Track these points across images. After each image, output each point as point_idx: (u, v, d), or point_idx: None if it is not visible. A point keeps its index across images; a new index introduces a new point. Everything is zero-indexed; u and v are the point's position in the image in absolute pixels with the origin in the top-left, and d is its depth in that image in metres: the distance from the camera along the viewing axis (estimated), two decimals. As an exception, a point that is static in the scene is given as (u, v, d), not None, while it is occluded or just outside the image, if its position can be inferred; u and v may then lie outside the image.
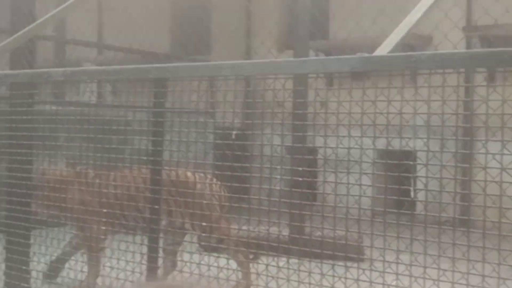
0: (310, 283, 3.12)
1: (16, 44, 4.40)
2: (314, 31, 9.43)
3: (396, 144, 3.20)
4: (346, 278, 3.00)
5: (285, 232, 4.00)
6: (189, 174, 4.64)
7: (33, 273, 4.55)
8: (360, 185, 2.90)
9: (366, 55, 2.49)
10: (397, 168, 2.97)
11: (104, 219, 4.15)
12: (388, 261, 2.93)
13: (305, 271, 3.16)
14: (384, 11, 5.49)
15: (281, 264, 3.32)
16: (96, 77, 3.48)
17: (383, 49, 2.48)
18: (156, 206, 3.56)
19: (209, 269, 3.39)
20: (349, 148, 2.91)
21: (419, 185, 2.96)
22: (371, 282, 2.92)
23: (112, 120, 4.09)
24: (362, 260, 3.34)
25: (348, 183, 2.94)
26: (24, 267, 4.53)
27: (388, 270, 2.91)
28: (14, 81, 3.98)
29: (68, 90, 10.58)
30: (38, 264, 4.59)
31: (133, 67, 3.20)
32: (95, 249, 4.68)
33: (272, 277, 3.25)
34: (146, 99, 3.66)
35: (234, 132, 3.43)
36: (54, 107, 5.43)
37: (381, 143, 3.17)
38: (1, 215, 4.80)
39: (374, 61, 2.52)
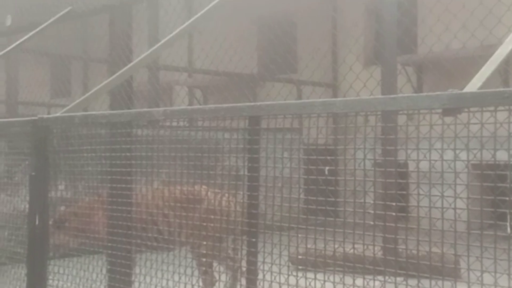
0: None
1: (115, 83, 4.68)
2: (401, 46, 9.39)
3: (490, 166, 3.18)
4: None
5: (379, 252, 4.00)
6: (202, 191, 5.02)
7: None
8: (455, 208, 2.90)
9: (457, 91, 2.51)
10: (492, 191, 2.95)
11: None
12: (487, 284, 2.91)
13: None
14: (472, 22, 5.42)
15: (377, 283, 3.36)
16: (193, 115, 3.66)
17: (474, 84, 2.49)
18: (253, 230, 3.67)
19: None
20: (442, 172, 2.92)
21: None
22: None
23: (203, 142, 4.24)
24: (457, 281, 3.32)
25: (442, 207, 2.94)
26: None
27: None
28: (118, 121, 4.24)
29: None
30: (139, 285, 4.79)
31: (228, 106, 3.37)
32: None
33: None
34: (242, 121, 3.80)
35: (327, 168, 3.50)
36: (149, 131, 5.69)
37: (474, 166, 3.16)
38: (103, 238, 5.08)
39: (465, 97, 2.53)
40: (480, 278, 2.92)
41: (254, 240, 3.62)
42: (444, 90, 2.76)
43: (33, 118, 4.94)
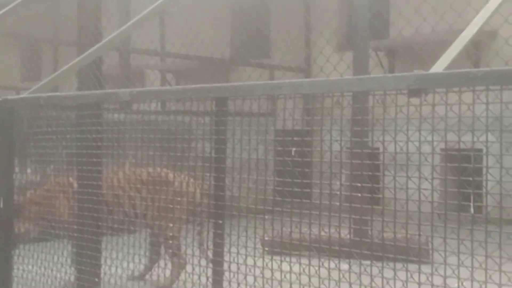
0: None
1: (83, 63, 4.59)
2: (374, 31, 9.39)
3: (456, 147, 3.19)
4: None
5: (347, 234, 4.00)
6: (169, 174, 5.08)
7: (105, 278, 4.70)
8: (419, 189, 2.90)
9: (422, 72, 2.52)
10: (459, 173, 2.97)
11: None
12: (450, 264, 2.93)
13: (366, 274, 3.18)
14: (442, 6, 5.43)
15: (343, 266, 3.36)
16: (160, 97, 3.60)
17: (440, 65, 2.50)
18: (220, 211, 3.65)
19: (273, 274, 3.45)
20: (407, 153, 2.92)
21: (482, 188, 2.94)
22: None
23: (174, 126, 4.20)
24: (425, 263, 3.33)
25: (407, 188, 2.95)
26: (95, 271, 4.70)
27: (451, 273, 2.91)
28: (83, 103, 4.17)
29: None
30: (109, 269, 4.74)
31: (195, 86, 3.33)
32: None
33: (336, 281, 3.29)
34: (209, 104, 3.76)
35: (294, 149, 3.48)
36: (119, 115, 5.62)
37: (441, 147, 3.17)
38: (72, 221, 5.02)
39: (430, 78, 2.55)
40: (445, 259, 2.93)
41: (220, 222, 3.60)
42: (413, 74, 2.74)
43: (-3, 99, 4.84)
